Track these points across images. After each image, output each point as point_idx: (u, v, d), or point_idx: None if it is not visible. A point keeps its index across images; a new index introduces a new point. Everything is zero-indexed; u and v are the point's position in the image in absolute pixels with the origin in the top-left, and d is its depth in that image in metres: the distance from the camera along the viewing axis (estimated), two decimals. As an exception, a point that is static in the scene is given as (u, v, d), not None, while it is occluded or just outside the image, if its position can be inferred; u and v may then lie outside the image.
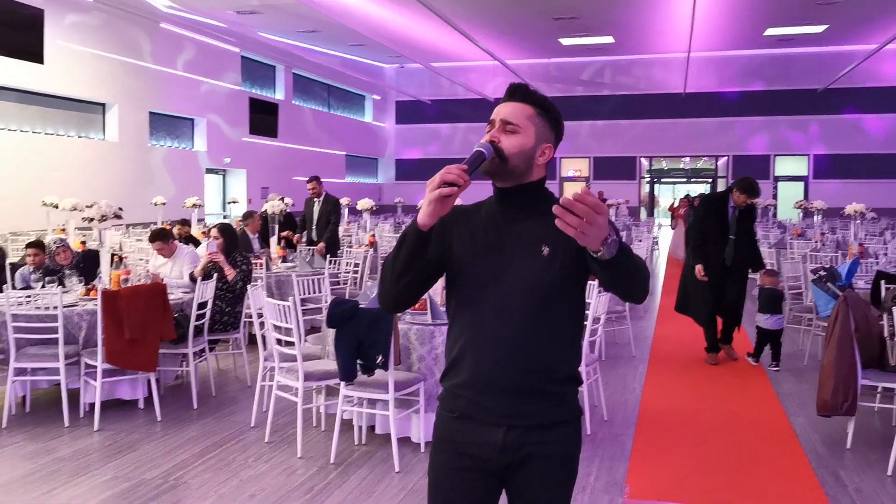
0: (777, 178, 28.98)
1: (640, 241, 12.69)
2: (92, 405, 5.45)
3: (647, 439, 5.08)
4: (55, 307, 5.35)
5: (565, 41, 25.14)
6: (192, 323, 5.79)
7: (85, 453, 4.82)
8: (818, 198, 21.06)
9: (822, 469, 4.53)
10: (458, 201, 1.93)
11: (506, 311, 1.95)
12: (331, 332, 4.61)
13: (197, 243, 9.14)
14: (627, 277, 1.79)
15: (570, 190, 29.63)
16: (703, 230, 7.21)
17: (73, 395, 5.62)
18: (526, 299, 1.94)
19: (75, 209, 10.20)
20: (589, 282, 2.10)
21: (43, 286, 6.00)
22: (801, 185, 28.65)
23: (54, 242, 6.93)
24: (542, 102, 2.03)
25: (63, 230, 11.77)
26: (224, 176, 23.80)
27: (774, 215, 24.41)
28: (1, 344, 5.55)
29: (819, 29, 23.03)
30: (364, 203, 12.28)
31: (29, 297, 5.78)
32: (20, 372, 5.49)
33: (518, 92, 2.03)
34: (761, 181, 28.24)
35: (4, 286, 5.93)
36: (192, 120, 21.62)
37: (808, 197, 26.41)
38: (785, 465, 4.64)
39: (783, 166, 29.07)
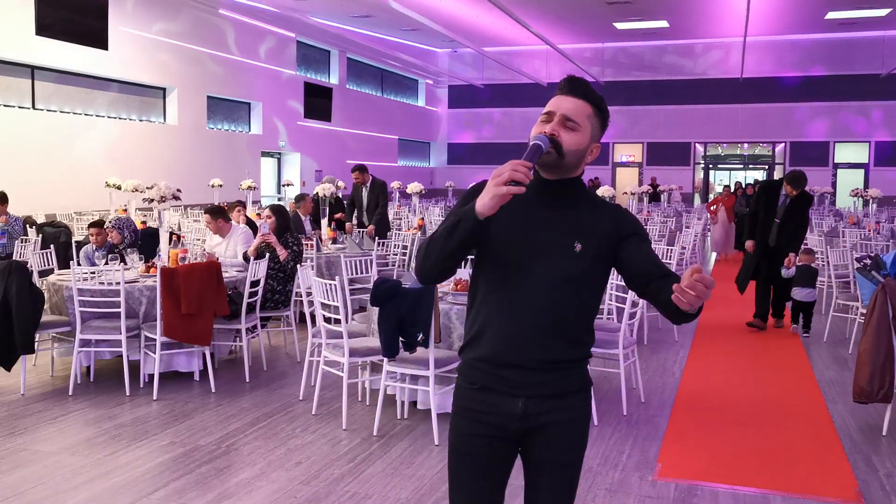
0: (837, 165, 28.34)
1: (689, 227, 12.64)
2: (151, 376, 5.76)
3: (682, 421, 5.18)
4: (117, 283, 5.66)
5: (620, 25, 24.93)
6: (245, 300, 6.06)
7: (144, 420, 5.12)
8: (879, 186, 20.60)
9: (855, 454, 4.58)
10: None
11: (533, 296, 2.06)
12: (375, 311, 4.81)
13: (253, 224, 9.43)
14: (691, 318, 1.94)
15: (624, 176, 29.23)
16: (755, 213, 8.22)
17: (134, 367, 5.94)
18: (553, 287, 2.05)
19: (136, 190, 10.60)
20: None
21: (106, 263, 6.33)
22: (861, 172, 27.98)
23: (109, 222, 7.25)
24: (599, 102, 2.10)
25: (125, 210, 12.24)
26: (279, 159, 24.26)
27: (832, 203, 23.93)
28: (67, 317, 5.91)
29: (882, 12, 22.41)
30: (413, 187, 12.47)
31: (93, 273, 6.12)
32: (85, 343, 5.83)
33: (580, 89, 2.08)
34: (820, 168, 27.87)
35: (71, 262, 6.28)
36: (249, 104, 22.08)
37: (868, 185, 25.79)
38: (817, 449, 4.70)
39: (843, 153, 28.41)
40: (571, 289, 2.07)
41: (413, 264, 8.93)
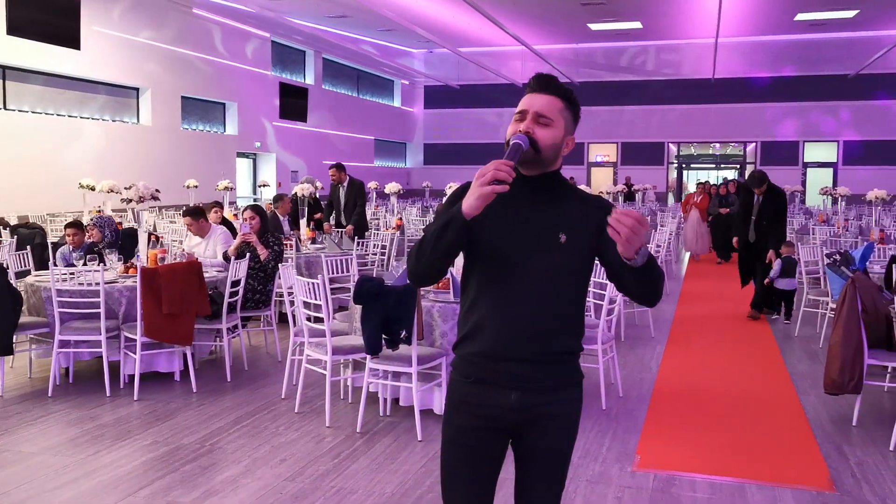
0: (806, 164, 28.80)
1: (664, 225, 12.80)
2: (131, 377, 5.76)
3: (660, 415, 5.28)
4: (97, 283, 5.65)
5: (594, 26, 25.13)
6: (226, 300, 6.07)
7: (126, 420, 5.12)
8: (847, 184, 20.96)
9: (826, 444, 4.70)
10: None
11: (526, 290, 2.11)
12: (358, 309, 4.86)
13: (230, 225, 9.42)
14: (648, 283, 2.05)
15: (599, 175, 29.52)
16: (738, 212, 8.94)
17: (114, 368, 5.92)
18: (545, 280, 2.11)
19: (112, 191, 10.55)
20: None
21: (84, 263, 6.30)
22: (830, 171, 28.45)
23: (91, 220, 7.24)
24: (569, 96, 2.16)
25: (100, 211, 12.15)
26: (254, 160, 24.18)
27: (802, 201, 24.31)
28: (46, 318, 5.89)
29: (850, 14, 22.82)
30: (391, 187, 12.53)
31: (72, 273, 6.10)
32: (64, 344, 5.80)
33: (550, 85, 2.14)
34: (790, 167, 28.27)
35: (49, 263, 6.26)
36: (224, 104, 21.99)
37: (836, 183, 26.21)
38: (790, 439, 4.82)
39: (812, 152, 28.88)
40: (560, 280, 2.13)
41: (393, 263, 8.99)
